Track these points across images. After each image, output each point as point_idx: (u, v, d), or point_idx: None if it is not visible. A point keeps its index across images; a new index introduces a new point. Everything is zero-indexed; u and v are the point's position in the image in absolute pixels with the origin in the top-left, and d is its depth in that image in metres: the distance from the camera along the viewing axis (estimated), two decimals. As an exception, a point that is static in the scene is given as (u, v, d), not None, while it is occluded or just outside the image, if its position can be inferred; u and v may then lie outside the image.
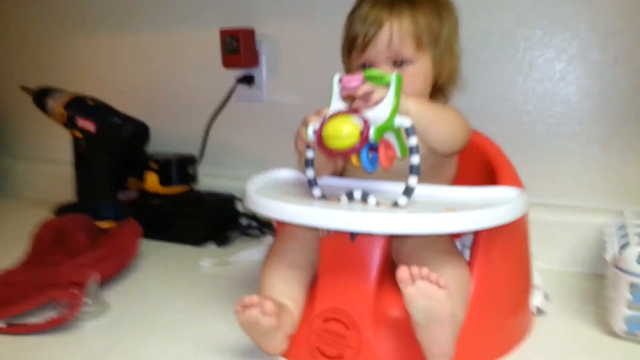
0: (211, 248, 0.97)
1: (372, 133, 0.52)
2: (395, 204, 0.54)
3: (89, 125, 0.87)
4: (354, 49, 0.66)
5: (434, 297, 0.47)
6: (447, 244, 0.60)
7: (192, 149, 1.12)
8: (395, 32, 0.63)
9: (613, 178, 0.84)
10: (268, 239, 0.92)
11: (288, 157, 1.08)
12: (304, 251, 0.61)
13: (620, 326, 0.62)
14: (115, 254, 0.76)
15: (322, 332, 0.56)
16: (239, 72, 1.08)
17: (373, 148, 0.59)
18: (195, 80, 1.14)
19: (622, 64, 0.81)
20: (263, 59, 1.07)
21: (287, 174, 0.73)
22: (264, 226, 1.03)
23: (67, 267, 0.67)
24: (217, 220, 1.01)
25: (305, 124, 0.59)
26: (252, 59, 1.05)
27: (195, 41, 1.13)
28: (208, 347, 0.61)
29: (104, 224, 0.90)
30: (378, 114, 0.54)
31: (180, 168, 1.05)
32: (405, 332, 0.53)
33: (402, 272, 0.48)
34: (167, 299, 0.75)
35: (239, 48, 1.02)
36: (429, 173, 0.64)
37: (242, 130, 1.12)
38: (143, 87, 1.20)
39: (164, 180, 1.04)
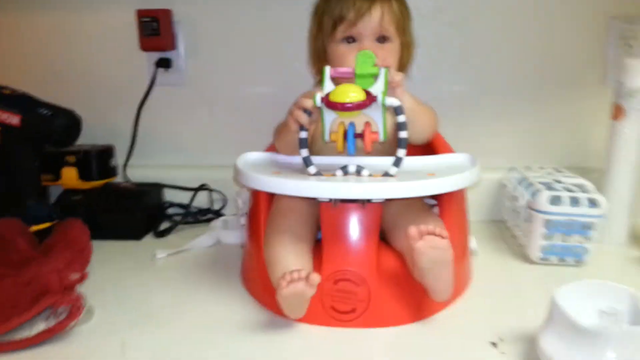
0: (149, 240, 0.95)
1: (379, 97, 0.60)
2: (387, 174, 0.63)
3: (13, 119, 0.78)
4: (342, 23, 0.73)
5: (440, 246, 0.57)
6: (423, 205, 0.71)
7: (107, 139, 1.06)
8: (385, 12, 0.73)
9: (504, 139, 1.04)
10: (214, 224, 0.94)
11: (212, 141, 1.09)
12: (305, 224, 0.67)
13: (536, 254, 0.80)
14: (77, 256, 0.71)
15: (334, 292, 0.63)
16: (154, 55, 1.05)
17: (356, 135, 0.67)
18: (106, 64, 1.07)
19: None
20: (181, 40, 1.05)
21: (258, 155, 0.76)
22: (199, 213, 1.03)
23: (49, 271, 0.62)
24: (152, 212, 0.99)
25: (299, 105, 0.64)
26: (171, 41, 1.03)
27: (103, 21, 1.05)
28: (210, 326, 0.64)
29: (36, 227, 0.82)
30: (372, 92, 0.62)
31: (101, 160, 0.99)
32: (400, 281, 0.64)
33: (412, 230, 0.57)
34: (140, 293, 0.74)
35: (159, 29, 0.99)
36: (390, 148, 0.74)
37: (161, 116, 1.09)
38: (47, 73, 1.08)
39: (84, 175, 0.98)
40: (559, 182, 0.84)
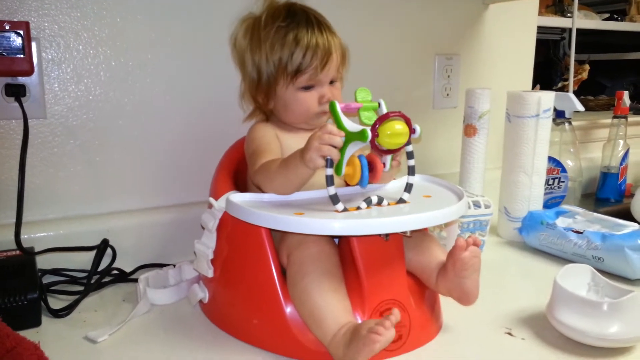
0: (51, 323, 0.72)
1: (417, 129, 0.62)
2: (402, 200, 0.67)
3: None
4: (303, 74, 0.71)
5: (477, 254, 0.64)
6: None
7: None
8: (339, 55, 0.73)
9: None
10: (142, 286, 0.77)
11: (75, 183, 0.87)
12: (334, 263, 0.64)
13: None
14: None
15: (381, 325, 0.63)
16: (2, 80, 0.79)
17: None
18: None
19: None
20: (41, 62, 0.82)
21: (249, 196, 0.68)
22: (95, 273, 0.83)
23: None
24: (39, 288, 0.74)
25: (328, 142, 0.60)
26: (28, 63, 0.79)
27: None
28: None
29: None
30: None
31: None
32: (421, 299, 0.69)
33: (461, 242, 0.63)
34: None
35: (23, 47, 0.76)
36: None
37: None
38: None
39: None
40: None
